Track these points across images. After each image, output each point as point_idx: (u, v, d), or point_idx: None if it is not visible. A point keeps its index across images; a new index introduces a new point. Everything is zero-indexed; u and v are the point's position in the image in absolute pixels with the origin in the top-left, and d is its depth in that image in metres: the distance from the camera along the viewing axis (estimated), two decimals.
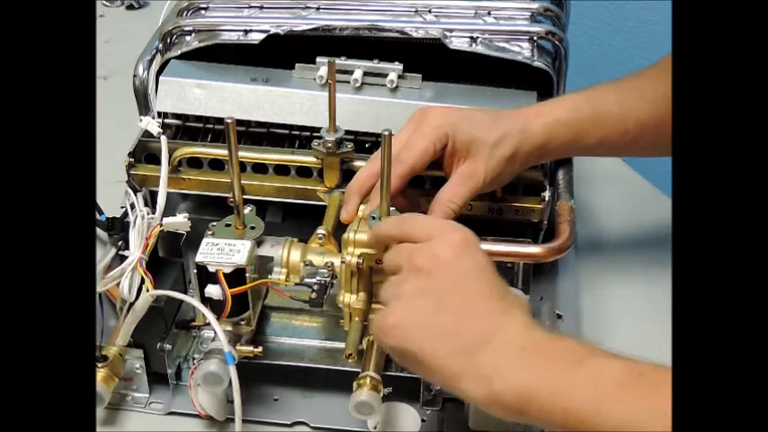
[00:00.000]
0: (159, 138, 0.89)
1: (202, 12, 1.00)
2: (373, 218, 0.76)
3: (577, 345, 0.62)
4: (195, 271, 0.75)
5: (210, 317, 0.75)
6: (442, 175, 0.84)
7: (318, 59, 0.94)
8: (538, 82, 0.94)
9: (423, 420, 0.79)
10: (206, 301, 0.75)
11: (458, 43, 0.93)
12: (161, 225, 0.82)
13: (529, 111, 0.86)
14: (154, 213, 0.85)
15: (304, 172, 0.90)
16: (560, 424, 0.58)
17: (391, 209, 0.75)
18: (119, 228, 0.89)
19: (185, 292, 0.83)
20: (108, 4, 1.56)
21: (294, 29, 0.95)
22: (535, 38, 0.94)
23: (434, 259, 0.65)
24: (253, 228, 0.78)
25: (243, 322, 0.78)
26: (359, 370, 0.73)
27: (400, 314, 0.65)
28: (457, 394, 0.63)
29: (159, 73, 0.96)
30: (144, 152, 0.91)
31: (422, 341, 0.63)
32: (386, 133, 0.71)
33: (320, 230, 0.79)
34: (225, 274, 0.74)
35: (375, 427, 0.78)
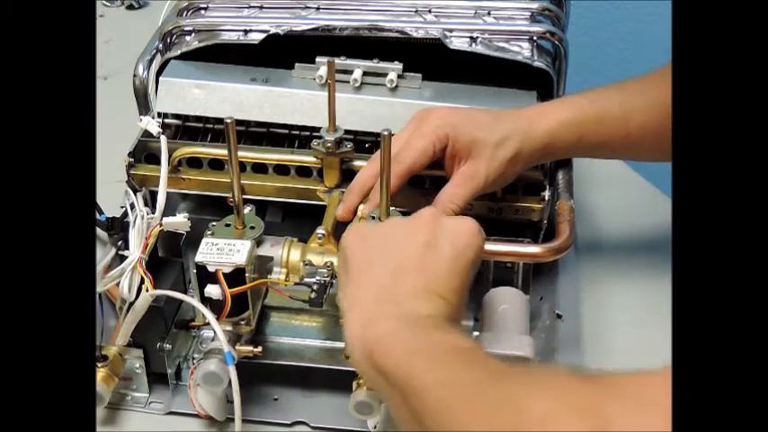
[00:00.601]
0: (159, 138, 0.89)
1: (202, 12, 1.00)
2: (373, 217, 0.76)
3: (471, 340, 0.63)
4: (195, 271, 0.75)
5: (210, 317, 0.75)
6: (443, 175, 0.85)
7: (318, 59, 0.94)
8: (538, 82, 0.94)
9: None
10: (206, 300, 0.76)
11: (458, 43, 0.93)
12: (161, 225, 0.82)
13: (531, 111, 0.86)
14: (154, 213, 0.85)
15: (304, 172, 0.90)
16: (389, 370, 0.59)
17: (391, 209, 0.75)
18: (119, 228, 0.89)
19: (185, 292, 0.83)
20: (108, 4, 1.56)
21: (294, 29, 0.95)
22: (535, 38, 0.94)
23: (435, 221, 0.68)
24: (252, 228, 0.78)
25: (242, 322, 0.78)
26: None
27: (375, 232, 0.69)
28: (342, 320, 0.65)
29: (159, 73, 0.96)
30: (144, 152, 0.91)
31: (366, 258, 0.67)
32: (385, 133, 0.71)
33: (320, 230, 0.79)
34: (224, 274, 0.74)
35: (375, 427, 0.78)
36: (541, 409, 0.50)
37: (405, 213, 0.77)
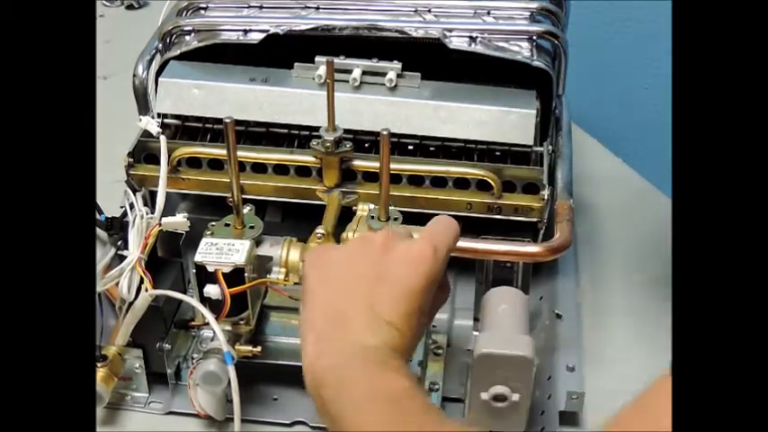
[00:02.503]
0: (158, 138, 0.89)
1: (202, 11, 1.00)
2: (372, 217, 0.77)
3: (409, 383, 0.62)
4: (194, 271, 0.75)
5: (209, 316, 0.75)
6: (444, 174, 0.85)
7: (317, 59, 0.94)
8: (537, 81, 0.94)
9: None
10: (205, 300, 0.76)
11: (457, 43, 0.93)
12: (160, 225, 0.82)
13: None
14: (153, 213, 0.85)
15: (303, 171, 0.90)
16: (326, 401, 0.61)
17: (390, 208, 0.76)
18: (118, 227, 0.89)
19: (184, 292, 0.83)
20: (108, 4, 1.56)
21: (293, 28, 0.95)
22: (534, 37, 0.94)
23: (387, 249, 0.67)
24: (252, 227, 0.78)
25: (242, 322, 0.78)
26: None
27: (330, 257, 0.69)
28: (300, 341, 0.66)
29: (159, 73, 0.96)
30: (143, 152, 0.91)
31: (320, 284, 0.67)
32: (384, 132, 0.71)
33: (319, 230, 0.79)
34: (224, 274, 0.74)
35: None
36: None
37: (404, 213, 0.77)
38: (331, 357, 0.63)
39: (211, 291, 0.74)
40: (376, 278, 0.66)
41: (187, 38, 0.97)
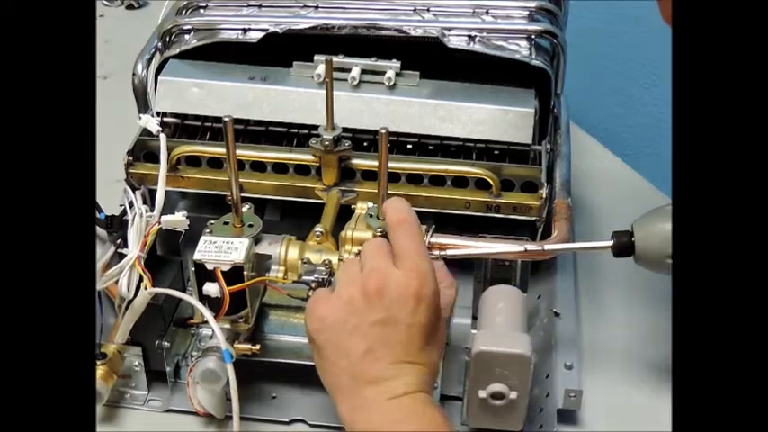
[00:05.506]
0: (158, 136, 0.89)
1: (201, 10, 1.00)
2: (371, 216, 0.77)
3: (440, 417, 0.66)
4: (193, 269, 0.75)
5: (208, 315, 0.75)
6: (443, 173, 0.85)
7: (316, 57, 0.94)
8: (536, 80, 0.94)
9: None
10: (204, 298, 0.76)
11: (456, 42, 0.93)
12: (159, 223, 0.82)
13: None
14: (152, 211, 0.85)
15: (302, 170, 0.90)
16: None
17: None
18: (117, 226, 0.89)
19: (184, 290, 0.83)
20: (108, 4, 1.55)
21: (293, 27, 0.95)
22: (533, 36, 0.94)
23: (381, 291, 0.67)
24: (251, 226, 0.79)
25: (241, 320, 0.78)
26: None
27: (331, 313, 0.68)
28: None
29: (158, 72, 0.96)
30: (143, 150, 0.92)
31: (332, 345, 0.68)
32: (383, 131, 0.71)
33: (318, 228, 0.80)
34: (223, 272, 0.74)
35: None
36: None
37: None
38: (370, 412, 0.66)
39: (210, 289, 0.75)
40: (384, 329, 0.67)
41: (186, 37, 0.97)
